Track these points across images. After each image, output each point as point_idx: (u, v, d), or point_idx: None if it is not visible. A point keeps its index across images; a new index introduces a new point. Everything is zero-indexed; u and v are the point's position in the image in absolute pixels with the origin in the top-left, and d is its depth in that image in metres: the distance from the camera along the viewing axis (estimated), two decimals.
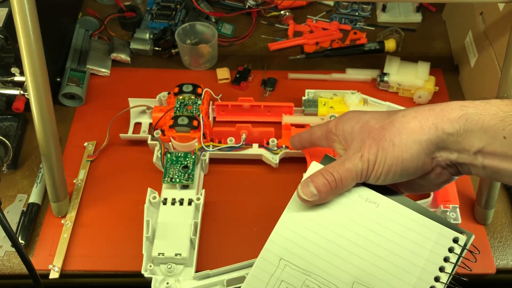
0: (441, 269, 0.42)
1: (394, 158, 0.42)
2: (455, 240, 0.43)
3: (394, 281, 0.42)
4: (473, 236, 0.43)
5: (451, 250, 0.43)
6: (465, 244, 0.43)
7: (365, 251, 0.44)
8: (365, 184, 0.46)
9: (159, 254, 0.56)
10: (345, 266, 0.43)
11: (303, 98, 0.72)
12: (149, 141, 0.67)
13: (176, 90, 0.69)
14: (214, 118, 0.72)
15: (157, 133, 0.66)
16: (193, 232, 0.58)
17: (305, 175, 0.46)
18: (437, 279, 0.42)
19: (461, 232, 0.43)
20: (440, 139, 0.41)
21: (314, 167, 0.47)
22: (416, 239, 0.44)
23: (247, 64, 0.79)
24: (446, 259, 0.43)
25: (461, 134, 0.40)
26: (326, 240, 0.45)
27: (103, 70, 0.78)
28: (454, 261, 0.42)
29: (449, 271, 0.42)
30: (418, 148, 0.41)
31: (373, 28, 0.86)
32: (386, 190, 0.46)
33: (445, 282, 0.42)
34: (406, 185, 0.46)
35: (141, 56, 0.81)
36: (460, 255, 0.43)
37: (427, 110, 0.42)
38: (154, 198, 0.61)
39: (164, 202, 0.61)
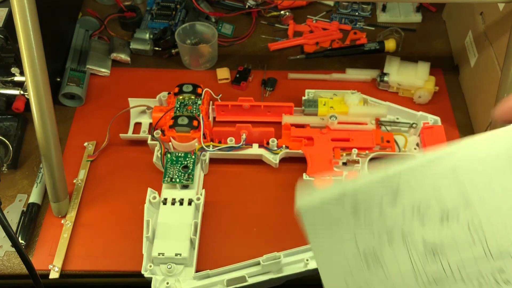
0: None
1: None
2: None
3: None
4: None
5: None
6: None
7: None
8: None
9: (159, 254, 0.56)
10: None
11: (303, 98, 0.71)
12: (149, 141, 0.67)
13: (176, 90, 0.69)
14: (214, 118, 0.72)
15: (157, 133, 0.66)
16: (193, 232, 0.58)
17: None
18: None
19: None
20: None
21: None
22: None
23: (247, 64, 0.79)
24: None
25: None
26: None
27: (103, 70, 0.78)
28: None
29: None
30: None
31: (373, 28, 0.86)
32: None
33: None
34: None
35: (141, 56, 0.81)
36: None
37: None
38: (154, 198, 0.61)
39: (164, 202, 0.61)
